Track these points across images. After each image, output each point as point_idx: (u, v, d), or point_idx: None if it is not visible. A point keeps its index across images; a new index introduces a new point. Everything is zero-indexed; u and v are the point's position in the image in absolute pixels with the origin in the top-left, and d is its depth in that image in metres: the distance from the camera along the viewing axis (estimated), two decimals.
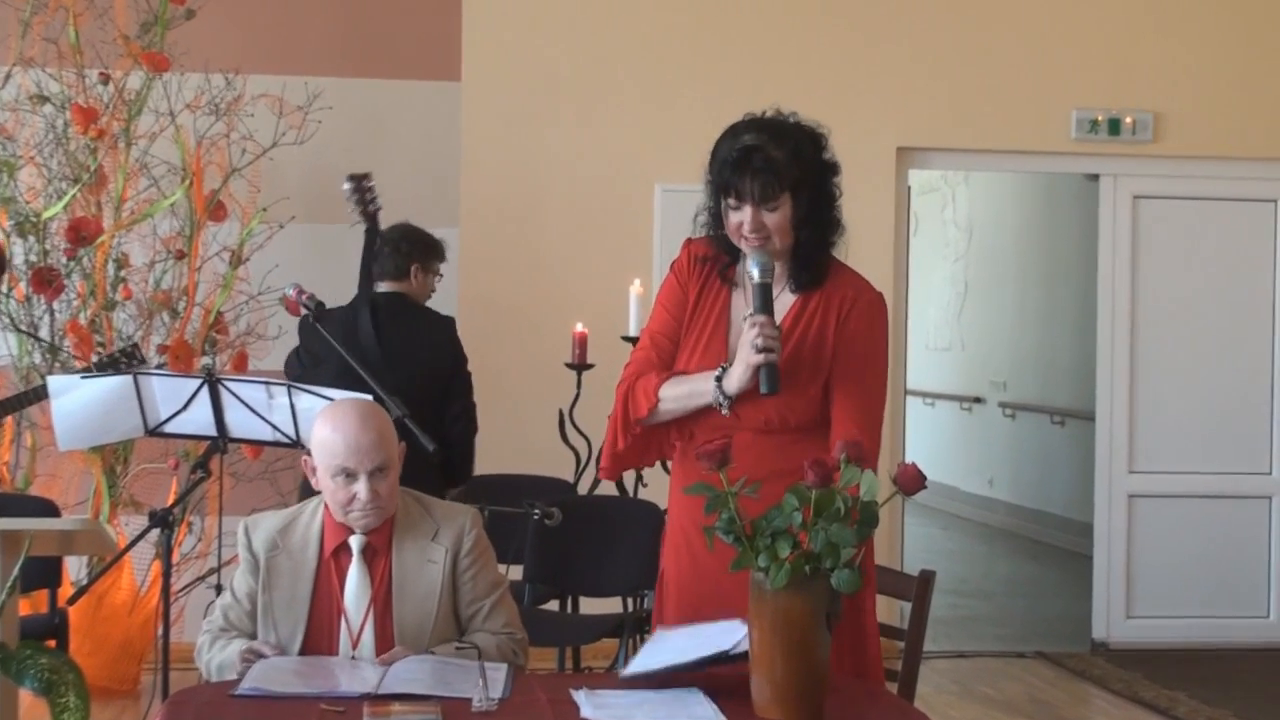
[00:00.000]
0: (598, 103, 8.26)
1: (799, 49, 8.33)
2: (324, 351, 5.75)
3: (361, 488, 3.74)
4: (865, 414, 3.76)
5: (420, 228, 6.32)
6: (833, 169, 3.81)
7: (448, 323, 6.11)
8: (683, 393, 3.78)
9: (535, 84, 8.23)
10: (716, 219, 3.83)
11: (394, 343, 5.92)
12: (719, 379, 3.72)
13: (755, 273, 3.70)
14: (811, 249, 3.80)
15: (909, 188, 8.75)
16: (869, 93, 8.39)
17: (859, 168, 8.08)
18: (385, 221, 6.16)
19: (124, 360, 6.07)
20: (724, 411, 3.72)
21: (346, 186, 6.07)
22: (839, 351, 3.77)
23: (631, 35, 8.30)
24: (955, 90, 8.49)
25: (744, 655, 3.22)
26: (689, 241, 3.95)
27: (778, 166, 3.69)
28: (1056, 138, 8.58)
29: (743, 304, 3.81)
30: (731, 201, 3.74)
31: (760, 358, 3.62)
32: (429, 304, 6.25)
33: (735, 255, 3.86)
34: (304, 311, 5.71)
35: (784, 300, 3.82)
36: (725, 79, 8.09)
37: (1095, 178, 8.88)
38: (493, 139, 8.17)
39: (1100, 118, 8.55)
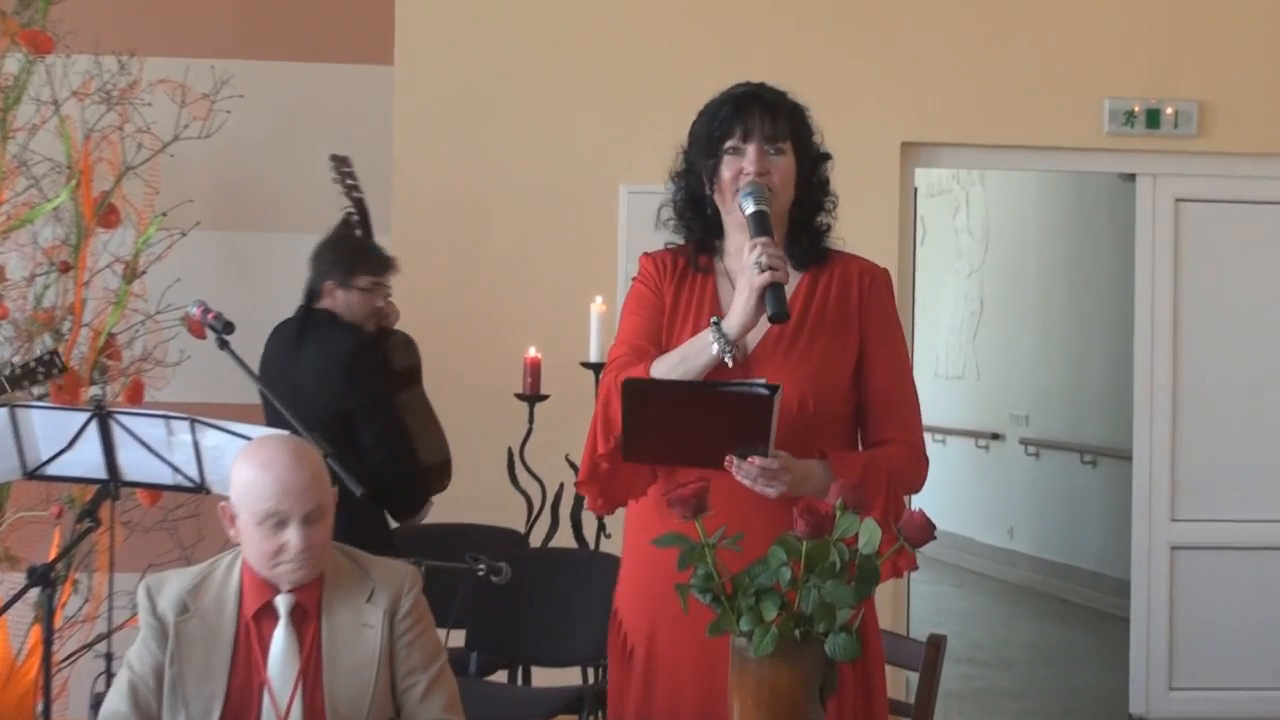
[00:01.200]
0: (554, 90, 8.26)
1: (785, 29, 8.34)
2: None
3: (293, 535, 3.72)
4: (908, 397, 3.95)
5: (350, 234, 6.40)
6: (824, 157, 4.00)
7: (343, 343, 6.11)
8: (676, 359, 3.83)
9: (480, 69, 8.22)
10: (691, 201, 3.95)
11: (285, 366, 6.04)
12: (717, 322, 3.78)
13: (749, 203, 3.82)
14: (810, 223, 3.96)
15: (915, 189, 8.77)
16: (867, 79, 8.41)
17: (856, 166, 8.07)
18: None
19: (41, 371, 6.04)
20: (728, 360, 3.75)
21: (329, 165, 6.46)
22: (868, 330, 3.91)
23: (594, 12, 8.31)
24: (968, 76, 8.51)
25: None
26: (647, 254, 4.06)
27: (786, 110, 3.91)
28: (1086, 131, 8.61)
29: (729, 289, 3.90)
30: (732, 144, 3.88)
31: (765, 276, 3.70)
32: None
33: (708, 246, 3.98)
34: (210, 333, 5.70)
35: (789, 279, 3.89)
36: (701, 62, 8.07)
37: (1131, 178, 8.91)
38: (430, 133, 8.17)
39: (1137, 108, 8.58)
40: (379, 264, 6.35)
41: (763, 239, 3.75)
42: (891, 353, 3.93)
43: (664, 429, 3.72)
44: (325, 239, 6.43)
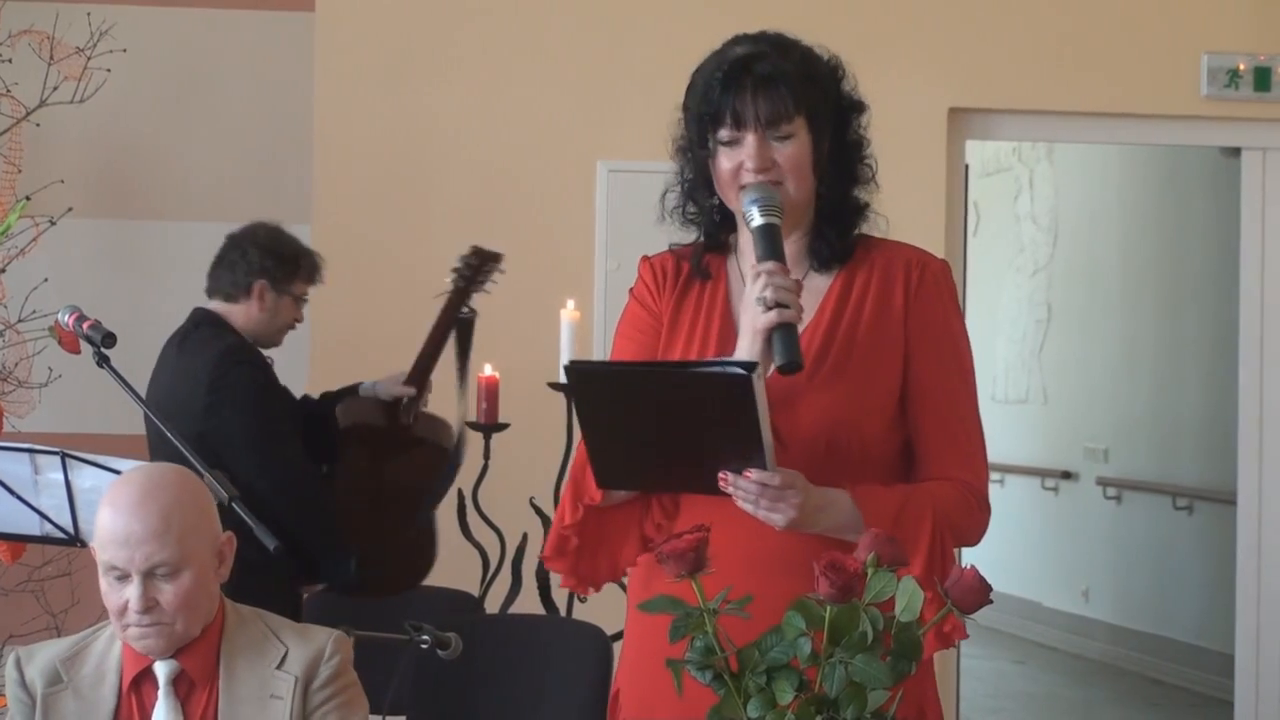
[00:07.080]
0: (514, 41, 8.25)
1: None
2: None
3: (133, 593, 3.74)
4: (969, 428, 3.93)
5: (285, 232, 6.44)
6: (856, 106, 3.96)
7: (211, 362, 6.18)
8: None
9: (422, 15, 8.22)
10: (697, 181, 3.93)
11: (155, 388, 6.15)
12: None
13: (755, 211, 3.77)
14: (839, 209, 3.91)
15: (966, 167, 8.79)
16: (904, 29, 8.42)
17: (891, 138, 8.03)
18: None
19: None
20: None
21: (465, 253, 6.66)
22: (916, 339, 3.86)
23: None
24: (1031, 26, 8.52)
25: None
26: (646, 258, 4.04)
27: (789, 79, 3.81)
28: (1179, 95, 8.62)
29: (742, 290, 3.85)
30: (724, 134, 3.83)
31: (770, 316, 3.65)
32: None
33: (719, 243, 3.96)
34: (85, 347, 5.70)
35: (814, 285, 3.89)
36: (700, 10, 8.07)
37: (1235, 153, 8.94)
38: (360, 96, 8.16)
39: (1242, 67, 8.60)
40: (316, 270, 6.44)
41: (768, 265, 3.70)
42: (948, 369, 3.88)
43: (627, 432, 3.70)
44: (266, 231, 6.44)
